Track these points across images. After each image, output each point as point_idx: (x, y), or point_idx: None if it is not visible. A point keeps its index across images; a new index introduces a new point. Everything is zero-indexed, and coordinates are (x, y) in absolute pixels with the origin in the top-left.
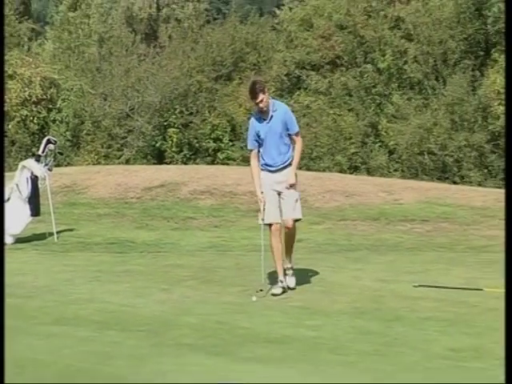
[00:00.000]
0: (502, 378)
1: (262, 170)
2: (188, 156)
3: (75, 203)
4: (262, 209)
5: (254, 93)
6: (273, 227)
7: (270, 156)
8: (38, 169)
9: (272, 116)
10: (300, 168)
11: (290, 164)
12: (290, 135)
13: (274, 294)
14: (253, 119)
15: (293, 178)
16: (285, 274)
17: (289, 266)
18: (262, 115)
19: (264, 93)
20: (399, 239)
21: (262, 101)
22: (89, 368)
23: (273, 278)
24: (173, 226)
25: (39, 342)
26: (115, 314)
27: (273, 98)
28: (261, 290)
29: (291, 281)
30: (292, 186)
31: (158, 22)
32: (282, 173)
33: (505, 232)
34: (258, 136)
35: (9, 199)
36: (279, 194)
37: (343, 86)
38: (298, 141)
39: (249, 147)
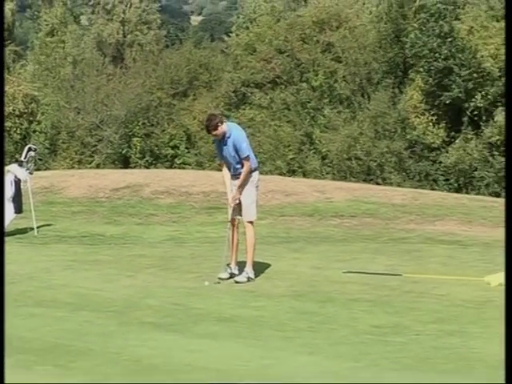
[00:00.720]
0: (502, 377)
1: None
2: (150, 161)
3: (52, 202)
4: (231, 205)
5: (207, 131)
6: (230, 222)
7: (230, 168)
8: (21, 173)
9: (226, 140)
10: None
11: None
12: None
13: (220, 278)
14: (215, 140)
15: (237, 194)
16: (239, 271)
17: (245, 268)
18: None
19: (216, 129)
20: (331, 232)
21: (215, 134)
22: (64, 343)
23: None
24: (137, 221)
25: (22, 321)
26: (87, 297)
27: (230, 121)
28: (218, 283)
29: (241, 277)
30: (236, 200)
31: (124, 47)
32: (237, 180)
33: (505, 232)
34: (221, 154)
35: None
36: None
37: (282, 101)
38: (245, 164)
39: (218, 161)
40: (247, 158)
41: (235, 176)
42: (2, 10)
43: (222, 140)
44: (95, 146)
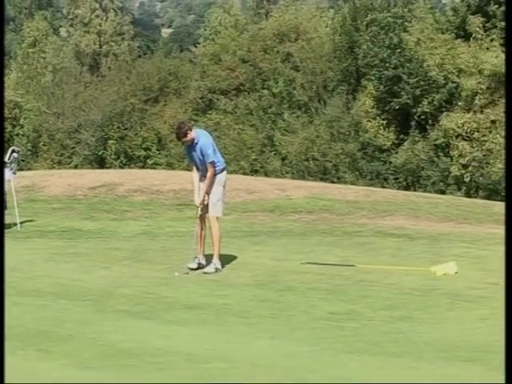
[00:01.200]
0: (501, 377)
1: None
2: (124, 162)
3: (34, 200)
4: (198, 207)
5: (177, 138)
6: (198, 219)
7: (198, 169)
8: (5, 173)
9: (195, 146)
10: None
11: None
12: None
13: (189, 268)
14: (184, 146)
15: (204, 198)
16: (207, 262)
17: (212, 260)
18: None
19: (186, 136)
20: (290, 227)
21: (185, 141)
22: (46, 329)
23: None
24: (112, 217)
25: (6, 309)
26: (66, 286)
27: (198, 127)
28: (187, 273)
29: (209, 268)
30: (204, 203)
31: (100, 56)
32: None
33: (505, 232)
34: (191, 157)
35: None
36: None
37: (245, 106)
38: (209, 169)
39: (188, 163)
40: (212, 164)
41: (204, 177)
42: (3, 11)
43: (191, 145)
44: (73, 148)
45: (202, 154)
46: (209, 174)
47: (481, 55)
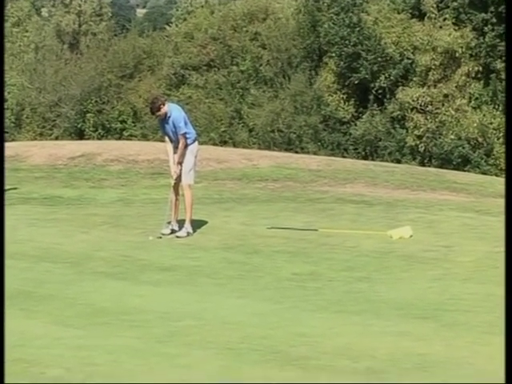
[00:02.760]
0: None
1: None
2: (101, 134)
3: (18, 169)
4: (173, 177)
5: (151, 112)
6: (172, 187)
7: (171, 141)
8: None
9: (168, 119)
10: None
11: None
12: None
13: (163, 234)
14: (158, 120)
15: (177, 168)
16: (179, 227)
17: (184, 225)
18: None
19: (159, 110)
20: (257, 194)
21: (158, 115)
22: (28, 290)
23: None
24: (91, 185)
25: None
26: (48, 250)
27: (170, 102)
28: (160, 237)
29: (181, 233)
30: (177, 173)
31: (80, 35)
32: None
33: (505, 229)
34: (164, 130)
35: None
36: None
37: (216, 82)
38: (181, 141)
39: (161, 135)
40: (183, 135)
41: (176, 148)
42: (3, 10)
43: (164, 119)
44: (54, 120)
45: (175, 127)
46: (180, 145)
47: (434, 33)
